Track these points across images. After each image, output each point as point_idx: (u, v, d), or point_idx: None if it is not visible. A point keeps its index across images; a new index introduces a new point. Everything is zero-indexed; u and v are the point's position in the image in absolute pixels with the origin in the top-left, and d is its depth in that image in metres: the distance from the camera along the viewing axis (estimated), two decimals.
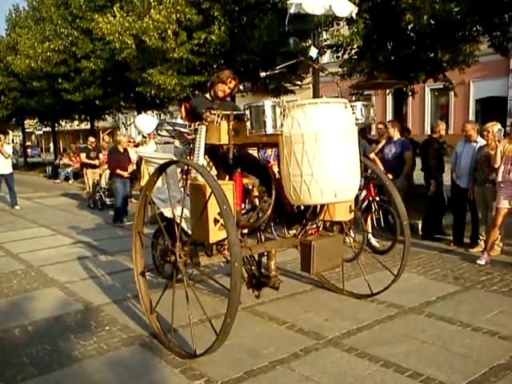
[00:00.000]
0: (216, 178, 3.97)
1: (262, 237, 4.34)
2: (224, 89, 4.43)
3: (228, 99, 4.79)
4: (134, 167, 10.03)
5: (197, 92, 12.66)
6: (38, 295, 5.19)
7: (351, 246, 5.06)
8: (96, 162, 12.06)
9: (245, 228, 4.11)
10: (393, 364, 3.37)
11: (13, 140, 49.11)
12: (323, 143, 3.47)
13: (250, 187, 4.38)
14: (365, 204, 6.62)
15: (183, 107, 4.51)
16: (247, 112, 3.61)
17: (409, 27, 8.73)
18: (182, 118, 4.66)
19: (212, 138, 3.96)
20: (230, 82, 4.43)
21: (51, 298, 5.06)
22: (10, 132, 42.99)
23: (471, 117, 21.92)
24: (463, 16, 7.82)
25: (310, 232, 4.40)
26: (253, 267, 4.40)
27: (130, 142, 10.32)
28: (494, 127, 5.99)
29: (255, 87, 14.47)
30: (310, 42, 9.57)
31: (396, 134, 7.18)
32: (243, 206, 4.30)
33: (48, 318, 4.51)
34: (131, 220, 6.39)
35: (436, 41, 8.82)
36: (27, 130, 36.12)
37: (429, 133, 24.54)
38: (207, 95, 4.58)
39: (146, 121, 7.07)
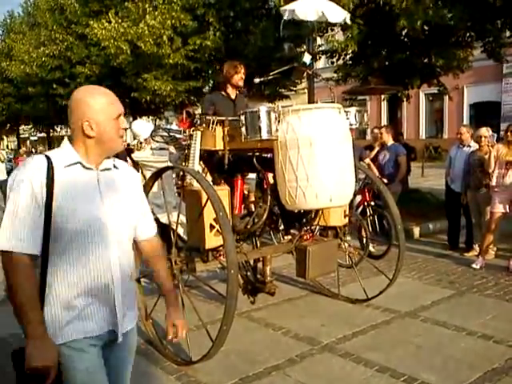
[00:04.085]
0: (212, 183, 3.98)
1: (258, 242, 4.35)
2: (241, 76, 4.53)
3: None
4: None
5: (208, 94, 12.71)
6: None
7: (345, 251, 5.06)
8: None
9: (241, 233, 4.11)
10: (388, 369, 3.38)
11: (7, 146, 48.94)
12: (318, 148, 3.48)
13: (246, 192, 4.38)
14: (360, 209, 6.63)
15: (185, 113, 4.52)
16: (242, 117, 3.63)
17: (403, 33, 8.79)
18: (177, 124, 4.67)
19: (207, 144, 3.97)
20: (242, 68, 4.52)
21: None
22: (5, 138, 42.89)
23: (465, 121, 22.03)
24: (456, 22, 7.89)
25: (305, 237, 4.40)
26: (248, 273, 4.40)
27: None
28: (487, 132, 6.06)
29: (250, 92, 14.51)
30: (304, 47, 9.62)
31: (390, 140, 7.21)
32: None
33: None
34: None
35: (430, 46, 8.88)
36: (22, 136, 36.04)
37: (424, 137, 24.74)
38: (223, 93, 4.60)
39: (142, 126, 7.08)
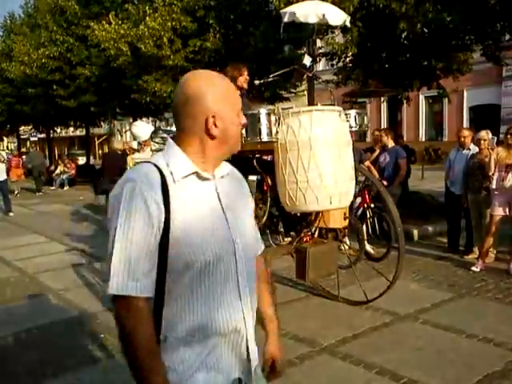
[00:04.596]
0: None
1: None
2: (246, 78, 4.57)
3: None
4: None
5: None
6: (32, 303, 5.16)
7: (345, 253, 5.06)
8: None
9: None
10: (388, 371, 3.37)
11: (7, 146, 48.95)
12: (318, 150, 3.49)
13: None
14: (360, 211, 6.63)
15: None
16: None
17: (403, 36, 8.81)
18: None
19: None
20: (246, 70, 4.53)
21: (45, 306, 5.04)
22: (5, 138, 42.89)
23: (465, 124, 22.08)
24: (456, 25, 7.90)
25: (304, 239, 4.40)
26: None
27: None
28: (486, 135, 6.07)
29: (250, 95, 14.52)
30: (304, 49, 9.63)
31: (390, 142, 7.23)
32: None
33: (42, 325, 4.48)
34: None
35: (430, 49, 8.90)
36: (22, 137, 36.04)
37: (423, 140, 24.77)
38: None
39: (142, 128, 7.09)
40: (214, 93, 1.34)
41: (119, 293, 1.24)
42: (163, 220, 1.25)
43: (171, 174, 1.30)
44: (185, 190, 1.31)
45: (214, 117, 1.33)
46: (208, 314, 1.33)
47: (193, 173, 1.34)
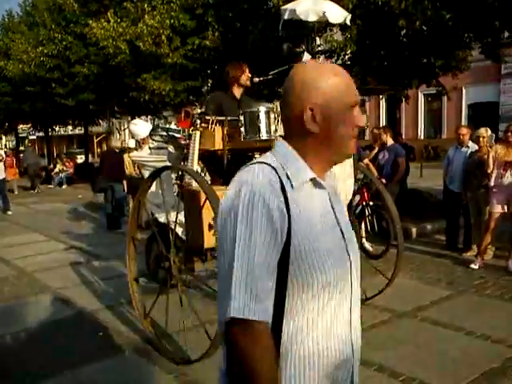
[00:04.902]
0: (210, 183, 3.98)
1: None
2: (248, 76, 4.58)
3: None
4: None
5: (212, 93, 12.69)
6: (31, 301, 5.16)
7: None
8: None
9: None
10: (387, 369, 3.38)
11: (6, 145, 48.88)
12: None
13: None
14: (359, 209, 6.63)
15: (184, 112, 4.52)
16: (241, 117, 3.63)
17: (402, 33, 8.80)
18: (176, 124, 4.68)
19: (206, 144, 3.97)
20: (247, 68, 4.55)
21: (44, 304, 5.03)
22: (3, 137, 42.83)
23: (463, 122, 22.09)
24: (455, 22, 7.90)
25: None
26: None
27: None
28: (485, 133, 6.08)
29: (249, 92, 14.51)
30: (303, 47, 9.62)
31: (389, 140, 7.23)
32: None
33: (41, 324, 4.48)
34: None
35: (429, 46, 8.89)
36: (20, 135, 35.97)
37: (422, 138, 24.76)
38: (229, 93, 4.59)
39: (141, 126, 7.08)
40: (321, 82, 1.15)
41: (241, 316, 1.04)
42: (286, 230, 1.09)
43: (288, 177, 1.13)
44: (303, 198, 1.13)
45: (312, 109, 1.14)
46: (320, 346, 1.15)
47: (311, 179, 1.17)
